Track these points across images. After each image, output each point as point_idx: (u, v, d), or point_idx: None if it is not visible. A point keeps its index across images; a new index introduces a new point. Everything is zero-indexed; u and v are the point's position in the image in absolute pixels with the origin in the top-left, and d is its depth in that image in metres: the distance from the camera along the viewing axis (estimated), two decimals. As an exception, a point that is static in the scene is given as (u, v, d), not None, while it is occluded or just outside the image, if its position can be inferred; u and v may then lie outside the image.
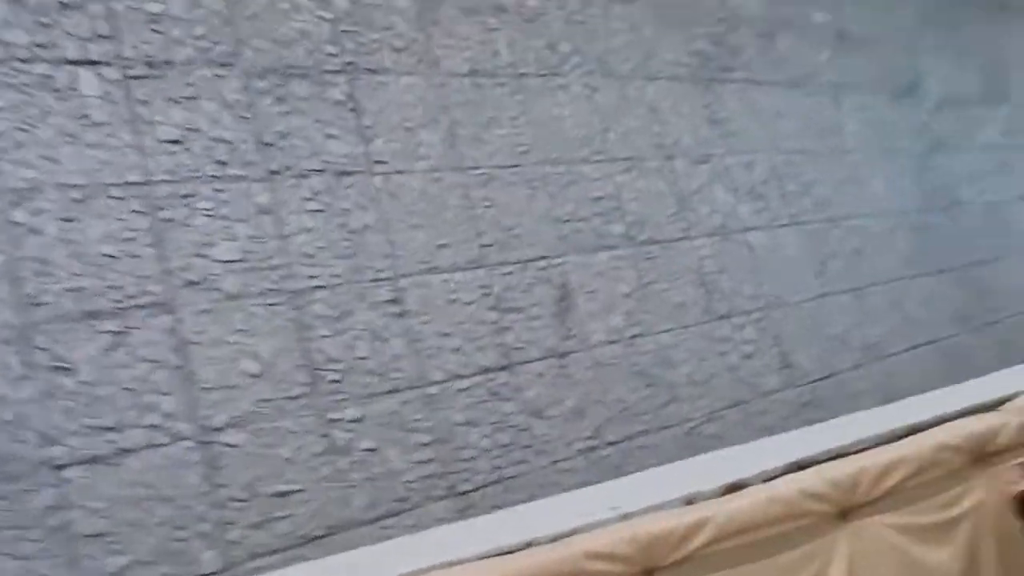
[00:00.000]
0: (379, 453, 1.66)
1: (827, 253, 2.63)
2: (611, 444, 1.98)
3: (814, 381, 2.44)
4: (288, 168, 1.69)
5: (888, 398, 2.61)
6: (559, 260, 2.03)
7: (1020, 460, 1.72)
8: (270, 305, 1.61)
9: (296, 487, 1.56)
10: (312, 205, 1.71)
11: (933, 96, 3.28)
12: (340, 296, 1.70)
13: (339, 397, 1.65)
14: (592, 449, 1.95)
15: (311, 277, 1.67)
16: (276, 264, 1.64)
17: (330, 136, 1.76)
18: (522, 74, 2.08)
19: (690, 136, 2.39)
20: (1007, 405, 1.82)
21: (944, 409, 1.78)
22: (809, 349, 2.46)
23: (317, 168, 1.73)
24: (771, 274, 2.45)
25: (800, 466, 1.57)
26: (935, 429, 1.70)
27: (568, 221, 2.07)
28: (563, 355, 1.97)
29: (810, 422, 2.37)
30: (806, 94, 2.77)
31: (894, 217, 2.90)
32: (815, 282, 2.56)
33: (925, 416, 1.75)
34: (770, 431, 2.27)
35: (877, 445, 1.65)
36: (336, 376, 1.65)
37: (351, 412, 1.65)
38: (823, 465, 1.57)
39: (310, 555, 1.54)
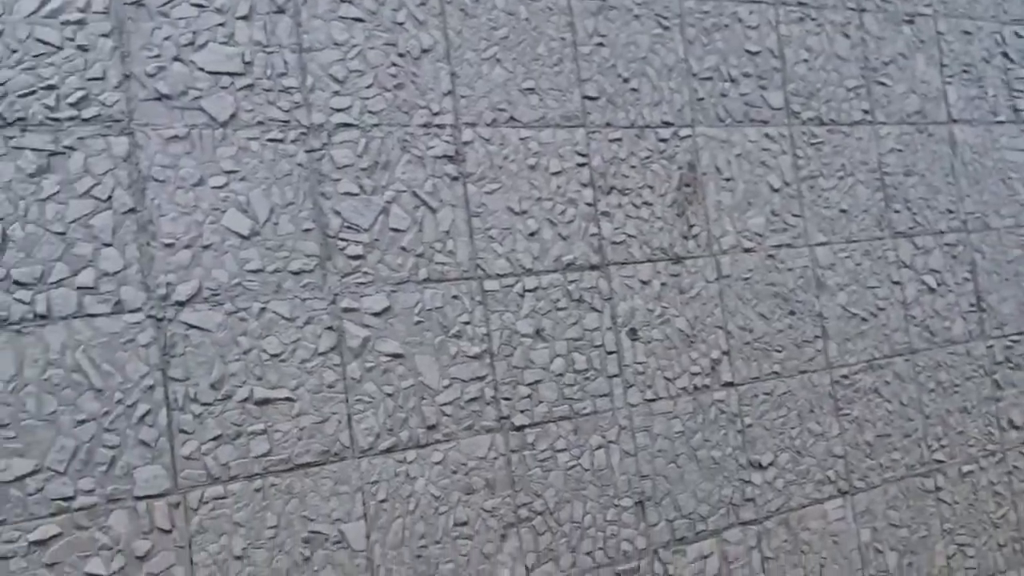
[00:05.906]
0: (405, 362, 1.22)
1: (1054, 167, 1.96)
2: (728, 385, 1.47)
3: (1013, 335, 1.83)
4: (320, -46, 1.21)
5: (1110, 368, 1.96)
6: (688, 131, 1.49)
7: None
8: (273, 141, 1.16)
9: (283, 395, 1.14)
10: (349, 11, 1.22)
11: None
12: (374, 141, 1.22)
13: (358, 279, 1.20)
14: (701, 389, 1.45)
15: (335, 111, 1.20)
16: (289, 86, 1.17)
17: (386, -82, 1.26)
18: None
19: (892, -15, 1.75)
20: None
21: None
22: (1013, 292, 1.84)
23: (363, -40, 1.24)
24: (977, 185, 1.81)
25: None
26: None
27: (708, 79, 1.52)
28: (679, 259, 1.45)
29: (999, 386, 1.78)
30: (1058, -51, 2.04)
31: None
32: (1033, 204, 1.91)
33: None
34: (948, 392, 1.70)
35: None
36: (358, 251, 1.20)
37: (373, 302, 1.20)
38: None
39: (297, 486, 1.13)
